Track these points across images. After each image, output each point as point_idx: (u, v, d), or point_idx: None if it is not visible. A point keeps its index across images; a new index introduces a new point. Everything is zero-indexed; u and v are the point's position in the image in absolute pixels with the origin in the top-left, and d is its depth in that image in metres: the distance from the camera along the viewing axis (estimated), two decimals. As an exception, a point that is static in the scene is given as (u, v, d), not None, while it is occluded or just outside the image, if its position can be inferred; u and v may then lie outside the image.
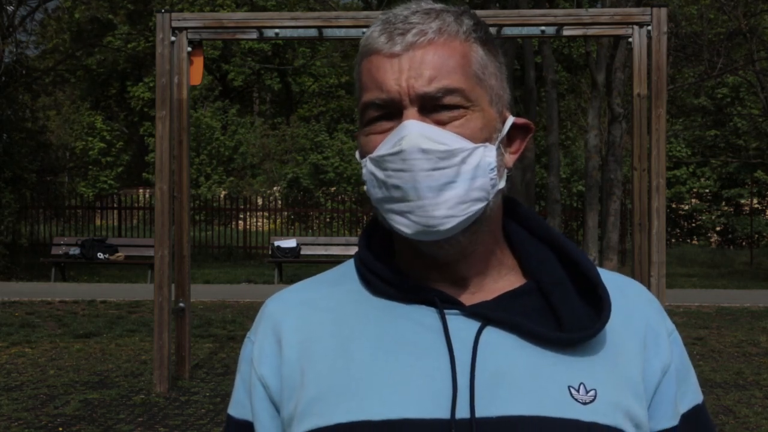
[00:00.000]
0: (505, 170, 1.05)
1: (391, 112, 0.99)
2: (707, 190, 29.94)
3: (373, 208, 1.04)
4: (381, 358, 1.00)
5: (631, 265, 7.69)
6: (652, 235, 6.83)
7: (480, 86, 1.01)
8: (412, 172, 0.96)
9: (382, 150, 0.99)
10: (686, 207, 30.22)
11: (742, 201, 29.77)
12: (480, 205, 0.99)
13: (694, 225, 30.65)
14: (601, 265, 15.25)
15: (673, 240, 28.66)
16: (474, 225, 1.01)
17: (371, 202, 1.04)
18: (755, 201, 29.27)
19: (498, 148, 1.02)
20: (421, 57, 0.98)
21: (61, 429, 6.02)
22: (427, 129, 0.97)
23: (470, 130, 0.99)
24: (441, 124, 0.99)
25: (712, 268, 21.01)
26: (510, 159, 1.06)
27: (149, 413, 6.44)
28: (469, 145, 0.98)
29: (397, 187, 0.98)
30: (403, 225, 0.99)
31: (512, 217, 1.11)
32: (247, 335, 1.13)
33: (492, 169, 1.00)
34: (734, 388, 7.38)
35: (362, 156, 1.04)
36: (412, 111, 0.98)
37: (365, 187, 1.04)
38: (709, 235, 30.48)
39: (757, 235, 27.46)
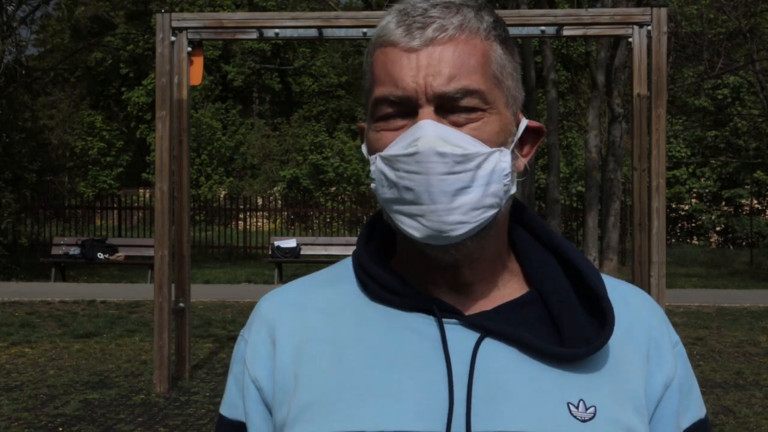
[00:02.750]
0: (517, 175, 1.01)
1: (405, 110, 0.95)
2: (707, 190, 29.94)
3: (381, 207, 1.00)
4: (377, 367, 0.97)
5: (631, 265, 7.69)
6: (652, 235, 6.83)
7: (498, 88, 0.97)
8: (427, 175, 0.92)
9: (394, 149, 0.95)
10: (686, 207, 30.22)
11: (742, 201, 29.76)
12: (492, 212, 0.96)
13: (694, 225, 30.65)
14: (601, 265, 15.27)
15: (673, 240, 28.65)
16: (483, 230, 0.97)
17: (377, 200, 0.99)
18: (755, 201, 29.27)
19: (512, 152, 0.99)
20: (441, 54, 0.94)
21: (61, 429, 6.02)
22: (444, 131, 0.93)
23: (487, 134, 0.95)
24: (457, 125, 0.94)
25: (712, 268, 21.00)
26: (521, 163, 1.02)
27: (149, 413, 6.44)
28: (485, 149, 0.94)
29: (409, 189, 0.94)
30: (412, 228, 0.95)
31: (518, 221, 1.08)
32: (240, 333, 1.09)
33: (506, 174, 0.96)
34: (734, 388, 7.38)
35: (371, 152, 0.99)
36: (428, 110, 0.94)
37: (372, 185, 0.99)
38: (709, 235, 30.47)
39: (757, 235, 27.46)
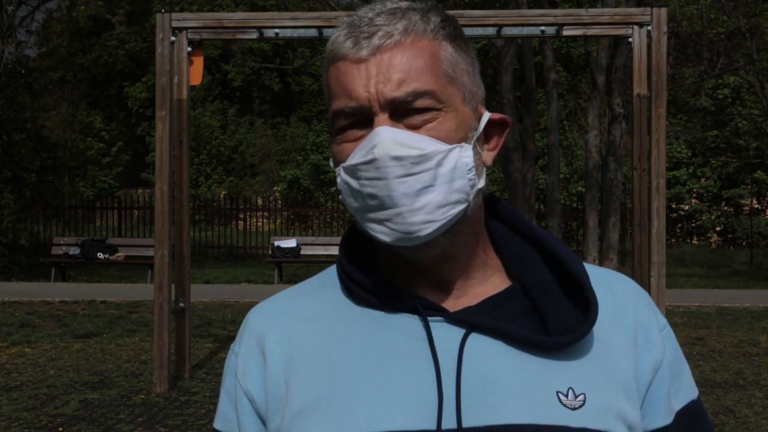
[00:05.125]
0: (484, 168, 1.02)
1: (362, 119, 0.97)
2: (707, 190, 29.94)
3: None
4: (365, 369, 0.98)
5: (631, 265, 7.69)
6: (652, 235, 6.83)
7: (452, 85, 0.98)
8: (386, 179, 0.94)
9: (354, 159, 0.96)
10: (686, 207, 30.22)
11: (742, 201, 29.76)
12: (460, 208, 0.97)
13: (694, 225, 30.65)
14: (601, 265, 15.26)
15: (673, 240, 28.65)
16: (455, 227, 0.98)
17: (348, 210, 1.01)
18: (755, 201, 29.27)
19: (474, 147, 0.99)
20: (389, 60, 0.95)
21: (61, 429, 6.02)
22: (399, 135, 0.95)
23: (444, 132, 0.96)
24: (414, 128, 0.96)
25: (712, 268, 21.00)
26: (488, 156, 1.04)
27: (149, 413, 6.45)
28: (443, 146, 0.95)
29: (372, 196, 0.96)
30: (381, 233, 0.97)
31: (494, 215, 1.09)
32: (230, 347, 1.11)
33: (470, 169, 0.97)
34: (734, 388, 7.38)
35: (335, 165, 1.01)
36: (382, 117, 0.95)
37: (341, 197, 1.01)
38: (709, 235, 30.47)
39: (757, 235, 27.45)
